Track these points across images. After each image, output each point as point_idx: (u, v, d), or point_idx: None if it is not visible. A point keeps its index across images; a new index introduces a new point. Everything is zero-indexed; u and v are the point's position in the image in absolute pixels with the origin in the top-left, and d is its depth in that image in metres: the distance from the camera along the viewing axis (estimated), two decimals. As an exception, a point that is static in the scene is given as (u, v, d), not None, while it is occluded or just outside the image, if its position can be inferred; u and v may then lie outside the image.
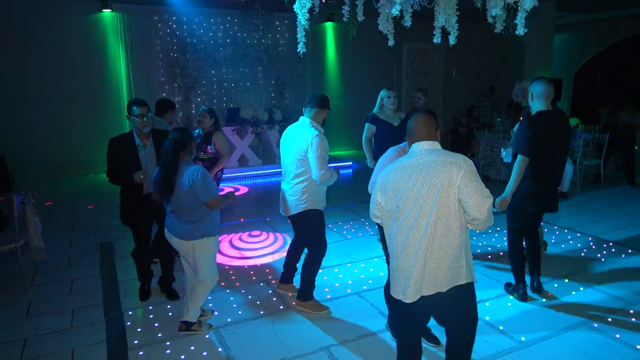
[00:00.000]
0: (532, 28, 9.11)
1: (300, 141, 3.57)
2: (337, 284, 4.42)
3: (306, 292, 3.91)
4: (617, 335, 3.50)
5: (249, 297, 4.20)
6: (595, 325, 3.65)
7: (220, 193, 3.47)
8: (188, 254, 3.40)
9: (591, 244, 5.40)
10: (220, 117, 6.84)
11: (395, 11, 3.79)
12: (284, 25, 10.60)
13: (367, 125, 5.15)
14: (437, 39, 4.20)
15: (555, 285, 4.34)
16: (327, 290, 4.30)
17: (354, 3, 4.12)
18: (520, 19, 3.70)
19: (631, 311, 3.86)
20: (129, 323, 3.76)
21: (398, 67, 12.15)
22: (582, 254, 5.10)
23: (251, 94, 10.33)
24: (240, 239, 5.35)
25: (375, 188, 2.52)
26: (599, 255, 5.05)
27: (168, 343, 3.46)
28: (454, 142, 8.42)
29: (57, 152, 9.06)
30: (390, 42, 4.39)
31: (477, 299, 2.57)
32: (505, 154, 4.23)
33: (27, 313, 3.95)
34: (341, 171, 9.53)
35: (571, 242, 5.48)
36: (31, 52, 8.66)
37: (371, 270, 4.74)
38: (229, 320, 3.78)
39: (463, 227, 2.33)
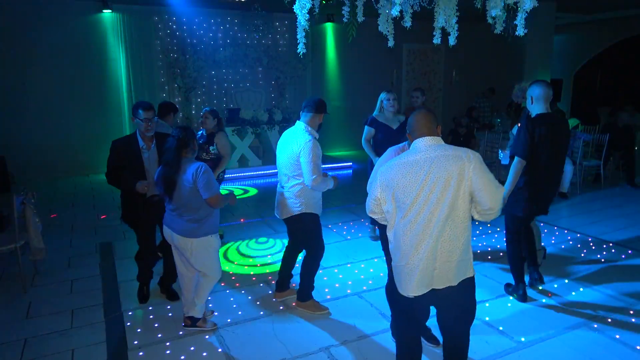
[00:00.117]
0: (532, 29, 9.16)
1: (294, 145, 3.59)
2: (337, 285, 4.42)
3: (305, 293, 3.91)
4: (617, 336, 3.50)
5: (249, 297, 4.20)
6: (595, 325, 3.65)
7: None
8: (189, 252, 3.41)
9: (591, 244, 5.40)
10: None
11: (395, 12, 3.79)
12: (284, 25, 10.61)
13: (366, 127, 5.18)
14: (437, 40, 4.20)
15: (555, 285, 4.34)
16: (327, 290, 4.30)
17: (354, 4, 4.12)
18: (520, 20, 3.70)
19: (631, 312, 3.86)
20: (128, 323, 3.76)
21: (398, 67, 12.16)
22: (582, 255, 5.10)
23: (251, 95, 10.34)
24: (247, 245, 5.29)
25: (374, 184, 2.48)
26: (598, 256, 5.05)
27: (168, 343, 3.46)
28: (454, 142, 8.41)
29: (57, 153, 9.06)
30: (390, 43, 4.39)
31: (477, 300, 2.59)
32: (503, 156, 4.24)
33: (27, 313, 3.95)
34: (341, 172, 9.73)
35: (571, 242, 5.48)
36: (31, 52, 8.67)
37: (371, 270, 4.74)
38: (229, 320, 3.78)
39: (469, 220, 2.37)
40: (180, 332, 3.60)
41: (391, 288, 2.58)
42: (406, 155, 2.40)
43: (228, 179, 8.62)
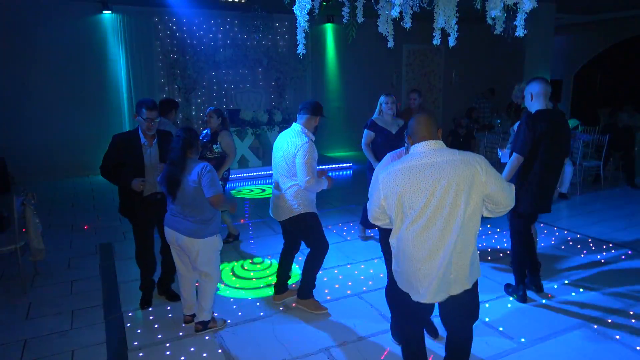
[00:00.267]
0: (532, 29, 9.17)
1: (291, 146, 3.62)
2: (337, 285, 4.42)
3: (307, 291, 3.92)
4: (617, 337, 3.50)
5: (249, 298, 4.20)
6: (595, 326, 3.65)
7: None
8: (195, 252, 3.41)
9: (591, 245, 5.40)
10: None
11: (394, 13, 3.79)
12: (283, 26, 10.62)
13: (365, 131, 5.19)
14: (436, 41, 4.20)
15: (555, 286, 4.34)
16: (327, 291, 4.30)
17: (354, 5, 4.12)
18: (519, 21, 3.70)
19: (631, 312, 3.86)
20: (128, 324, 3.76)
21: (398, 68, 12.17)
22: (582, 255, 5.10)
23: (251, 95, 10.34)
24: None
25: (377, 191, 2.42)
26: (598, 257, 5.05)
27: (168, 344, 3.46)
28: (454, 143, 8.42)
29: (58, 154, 9.07)
30: (390, 44, 4.39)
31: (480, 301, 2.61)
32: (502, 155, 4.23)
33: (27, 314, 3.95)
34: (341, 172, 9.73)
35: (571, 243, 5.48)
36: (31, 53, 8.68)
37: (371, 271, 4.74)
38: (228, 321, 3.78)
39: (479, 223, 2.38)
40: (180, 333, 3.60)
41: (392, 290, 2.57)
42: (409, 159, 2.35)
43: (233, 178, 8.63)
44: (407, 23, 4.23)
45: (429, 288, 2.33)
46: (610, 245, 5.37)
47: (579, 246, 5.37)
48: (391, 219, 2.41)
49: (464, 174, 2.25)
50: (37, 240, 4.41)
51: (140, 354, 3.35)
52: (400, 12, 3.86)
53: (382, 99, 5.18)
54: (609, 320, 3.73)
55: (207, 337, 3.55)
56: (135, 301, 4.09)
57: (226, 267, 4.83)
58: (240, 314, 3.92)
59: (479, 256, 2.48)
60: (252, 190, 8.28)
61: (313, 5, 3.79)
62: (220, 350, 3.39)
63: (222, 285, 4.42)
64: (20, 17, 8.52)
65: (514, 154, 3.76)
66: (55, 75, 8.93)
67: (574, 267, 4.80)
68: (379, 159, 5.05)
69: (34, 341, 3.54)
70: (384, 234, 3.17)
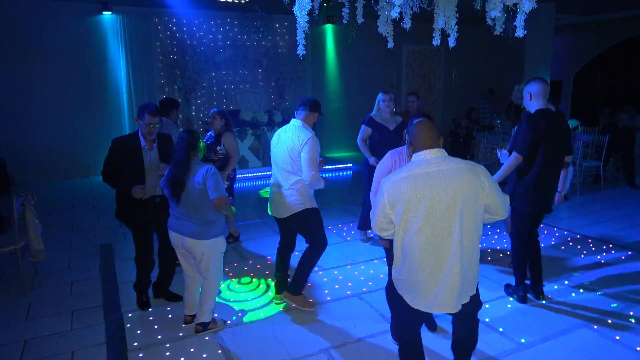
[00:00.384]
0: (532, 30, 9.18)
1: (295, 141, 3.62)
2: (336, 286, 4.42)
3: (299, 286, 3.91)
4: (617, 337, 3.50)
5: (249, 299, 4.20)
6: (595, 327, 3.65)
7: None
8: (200, 254, 3.42)
9: (591, 245, 5.40)
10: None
11: (394, 13, 3.79)
12: (283, 27, 10.62)
13: (363, 126, 5.23)
14: (436, 41, 4.21)
15: (555, 287, 4.34)
16: (326, 292, 4.30)
17: (354, 5, 4.13)
18: (519, 21, 3.70)
19: (631, 313, 3.86)
20: (128, 325, 3.76)
21: (398, 69, 12.17)
22: (582, 256, 5.10)
23: (251, 96, 10.34)
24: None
25: (381, 200, 2.38)
26: (598, 257, 5.05)
27: (168, 345, 3.46)
28: (454, 144, 8.43)
29: (57, 154, 9.07)
30: (390, 44, 4.39)
31: (482, 303, 2.64)
32: (502, 155, 4.24)
33: (27, 315, 3.95)
34: (341, 173, 9.73)
35: (571, 244, 5.48)
36: (31, 54, 8.67)
37: (371, 272, 4.74)
38: (228, 322, 3.78)
39: (481, 230, 2.42)
40: (180, 334, 3.60)
41: (392, 289, 2.57)
42: (414, 167, 2.34)
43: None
44: (407, 24, 4.23)
45: (437, 297, 2.33)
46: (611, 245, 5.37)
47: (579, 247, 5.37)
48: (397, 227, 2.38)
49: (470, 183, 2.27)
50: (37, 241, 4.41)
51: (140, 355, 3.35)
52: (400, 13, 3.86)
53: (380, 96, 5.22)
54: (609, 321, 3.72)
55: (207, 338, 3.54)
56: (135, 302, 4.08)
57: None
58: (240, 314, 3.92)
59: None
60: None
61: (313, 6, 3.79)
62: (220, 351, 3.39)
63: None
64: (20, 17, 8.52)
65: (513, 153, 3.76)
66: (55, 75, 8.93)
67: (574, 267, 4.80)
68: (375, 154, 5.09)
69: (33, 342, 3.54)
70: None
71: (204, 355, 3.34)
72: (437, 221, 2.26)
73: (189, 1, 8.88)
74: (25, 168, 8.65)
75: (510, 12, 3.81)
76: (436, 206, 2.25)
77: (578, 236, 5.72)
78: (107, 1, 8.83)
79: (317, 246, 3.86)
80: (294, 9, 3.66)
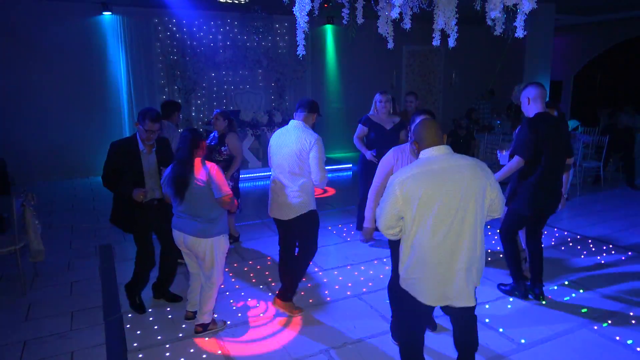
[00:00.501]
0: (532, 30, 9.18)
1: (303, 143, 3.59)
2: (336, 287, 4.42)
3: (291, 292, 3.90)
4: (617, 338, 3.50)
5: (249, 299, 4.20)
6: (595, 327, 3.65)
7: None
8: (202, 253, 3.42)
9: (591, 246, 5.40)
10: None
11: (394, 14, 3.79)
12: (283, 27, 10.62)
13: (359, 125, 5.35)
14: (436, 42, 4.21)
15: (555, 287, 4.34)
16: (326, 292, 4.30)
17: (354, 6, 4.13)
18: (519, 22, 3.70)
19: (631, 313, 3.86)
20: (128, 326, 3.75)
21: (398, 69, 12.16)
22: (582, 256, 5.10)
23: (251, 96, 10.34)
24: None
25: (392, 197, 2.34)
26: (598, 258, 5.05)
27: (168, 346, 3.46)
28: (454, 144, 8.42)
29: (57, 155, 9.06)
30: (390, 45, 4.40)
31: (477, 301, 2.60)
32: (501, 157, 4.24)
33: (27, 315, 3.95)
34: (341, 173, 9.73)
35: (571, 244, 5.47)
36: (31, 54, 8.67)
37: (371, 272, 4.73)
38: (228, 322, 3.77)
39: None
40: (180, 334, 3.60)
41: (398, 289, 2.56)
42: (425, 163, 2.34)
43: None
44: (407, 24, 4.23)
45: (453, 291, 2.35)
46: (611, 246, 5.37)
47: (579, 247, 5.37)
48: (408, 224, 2.36)
49: (480, 178, 2.32)
50: (36, 242, 4.40)
51: (140, 355, 3.35)
52: (400, 13, 3.87)
53: (377, 96, 5.31)
54: (609, 321, 3.72)
55: (206, 339, 3.54)
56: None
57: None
58: (240, 315, 3.91)
59: None
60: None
61: (313, 7, 3.79)
62: (220, 352, 3.39)
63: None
64: (20, 18, 8.52)
65: (516, 157, 3.75)
66: (55, 76, 8.93)
67: (574, 268, 4.80)
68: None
69: (33, 342, 3.54)
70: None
71: (204, 356, 3.33)
72: (452, 216, 2.28)
73: (189, 2, 8.88)
74: (25, 168, 8.64)
75: (510, 13, 3.81)
76: (451, 201, 2.27)
77: (578, 237, 5.72)
78: (107, 2, 8.82)
79: (310, 251, 3.86)
80: (293, 9, 3.66)
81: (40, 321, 3.85)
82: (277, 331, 3.65)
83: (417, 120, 2.82)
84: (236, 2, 9.01)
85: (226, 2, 9.01)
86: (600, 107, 10.91)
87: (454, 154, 2.39)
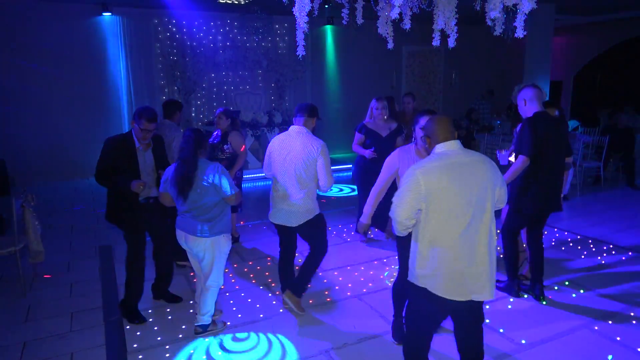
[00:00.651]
0: (531, 31, 9.18)
1: (311, 149, 3.58)
2: (337, 287, 4.42)
3: (302, 289, 3.92)
4: (618, 338, 3.49)
5: (249, 300, 4.19)
6: (596, 327, 3.65)
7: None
8: (202, 252, 3.41)
9: (591, 246, 5.39)
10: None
11: (394, 14, 3.79)
12: (283, 28, 10.62)
13: (356, 134, 5.37)
14: (436, 42, 4.21)
15: (556, 287, 4.34)
16: (327, 293, 4.29)
17: (353, 6, 4.13)
18: (519, 22, 3.70)
19: (631, 313, 3.85)
20: (128, 327, 3.74)
21: (397, 69, 12.16)
22: (582, 257, 5.09)
23: (251, 97, 10.35)
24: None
25: (415, 186, 2.32)
26: (599, 258, 5.04)
27: (167, 347, 3.45)
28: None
29: (57, 156, 9.06)
30: (390, 45, 4.40)
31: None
32: (501, 157, 4.23)
33: (27, 316, 3.94)
34: (341, 174, 9.73)
35: (571, 244, 5.47)
36: (31, 55, 8.67)
37: (371, 273, 4.73)
38: (228, 323, 3.77)
39: None
40: (180, 335, 3.60)
41: (403, 287, 2.54)
42: (442, 158, 2.36)
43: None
44: (407, 24, 4.23)
45: (476, 285, 2.37)
46: (611, 246, 5.37)
47: (579, 247, 5.36)
48: (425, 218, 2.35)
49: (492, 172, 2.39)
50: (36, 242, 4.41)
51: (140, 356, 3.34)
52: (400, 14, 3.87)
53: (372, 103, 5.32)
54: (610, 322, 3.72)
55: (206, 340, 3.54)
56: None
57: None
58: (240, 316, 3.91)
59: None
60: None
61: (312, 7, 3.79)
62: (219, 353, 3.38)
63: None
64: (20, 18, 8.52)
65: (520, 157, 3.76)
66: (55, 77, 8.92)
67: (574, 268, 4.79)
68: (366, 162, 5.22)
69: (33, 343, 3.53)
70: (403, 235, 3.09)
71: (204, 357, 3.33)
72: (472, 208, 2.31)
73: (189, 2, 8.88)
74: (25, 169, 8.63)
75: (510, 13, 3.81)
76: (471, 194, 2.31)
77: (578, 237, 5.71)
78: (106, 2, 8.82)
79: (321, 250, 3.87)
80: (293, 9, 3.66)
81: (40, 322, 3.84)
82: (277, 332, 3.65)
83: (422, 120, 2.86)
84: (236, 2, 9.00)
85: (226, 2, 9.01)
86: (600, 107, 10.90)
87: (467, 149, 2.45)
